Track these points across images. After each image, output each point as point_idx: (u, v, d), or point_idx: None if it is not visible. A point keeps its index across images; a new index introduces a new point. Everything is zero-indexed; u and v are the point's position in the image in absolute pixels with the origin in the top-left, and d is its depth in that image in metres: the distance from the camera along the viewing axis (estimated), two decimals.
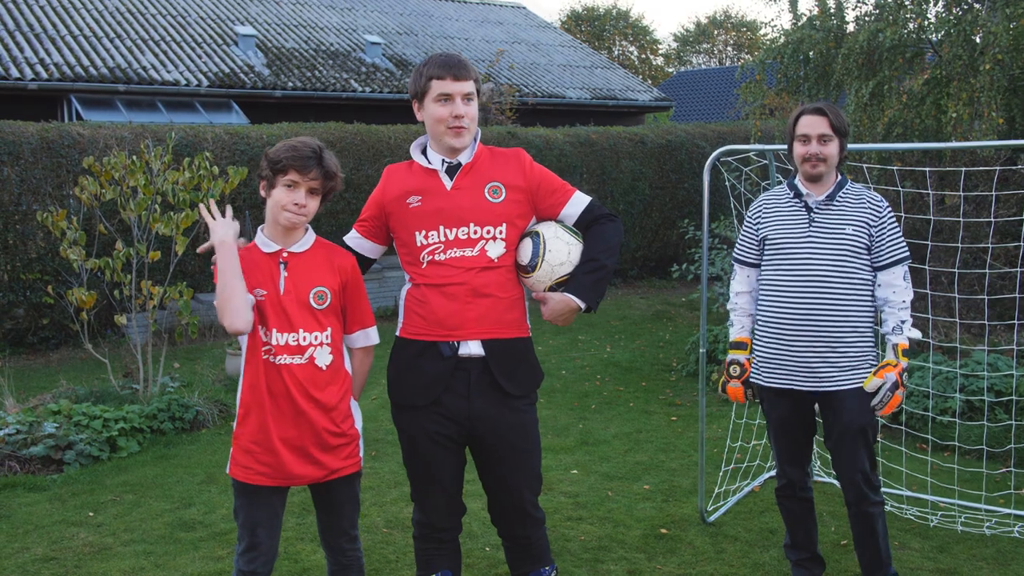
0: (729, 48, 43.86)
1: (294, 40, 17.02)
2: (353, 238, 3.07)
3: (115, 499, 4.88)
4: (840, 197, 3.42)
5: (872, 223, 3.37)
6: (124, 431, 5.71)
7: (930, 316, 5.85)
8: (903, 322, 3.35)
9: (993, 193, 5.57)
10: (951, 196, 7.15)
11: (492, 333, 2.86)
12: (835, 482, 4.91)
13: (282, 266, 2.81)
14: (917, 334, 3.42)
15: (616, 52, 41.28)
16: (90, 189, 6.28)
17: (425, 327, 2.88)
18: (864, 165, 6.48)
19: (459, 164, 2.92)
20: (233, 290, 2.70)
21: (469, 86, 2.87)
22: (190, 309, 6.27)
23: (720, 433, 5.77)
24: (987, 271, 5.82)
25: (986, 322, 5.35)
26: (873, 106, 7.98)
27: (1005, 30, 7.13)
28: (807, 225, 3.42)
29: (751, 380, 3.60)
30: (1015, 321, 5.43)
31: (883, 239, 3.37)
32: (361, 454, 2.96)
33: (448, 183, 2.90)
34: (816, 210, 3.42)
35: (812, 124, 3.38)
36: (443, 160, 2.92)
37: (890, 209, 3.42)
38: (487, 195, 2.89)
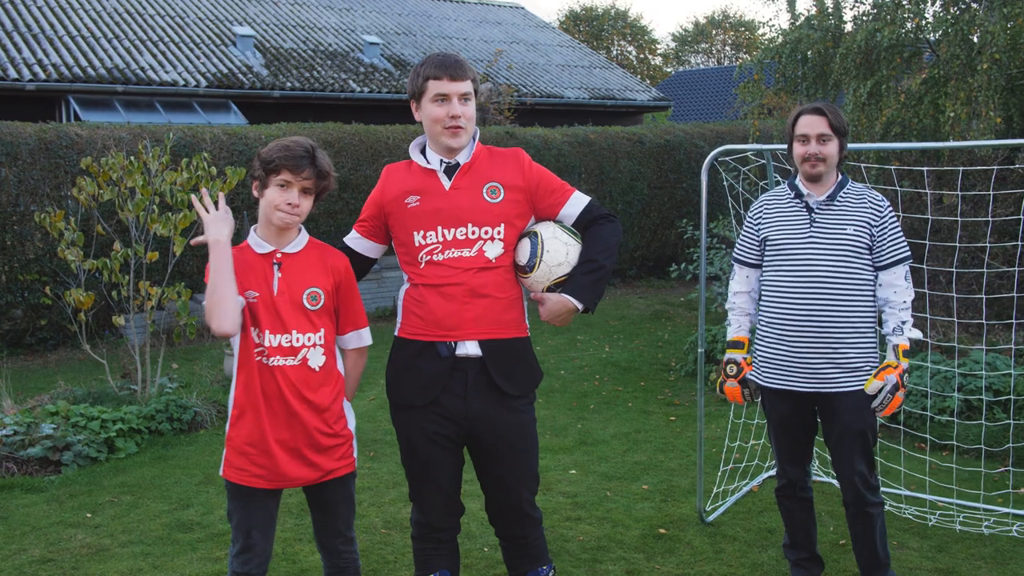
0: (727, 48, 43.89)
1: (292, 40, 17.01)
2: (354, 239, 3.06)
3: (113, 500, 4.88)
4: (841, 197, 3.41)
5: (873, 223, 3.36)
6: (122, 432, 5.71)
7: (928, 315, 5.85)
8: (904, 323, 3.34)
9: (991, 192, 5.57)
10: (949, 195, 7.16)
11: (490, 333, 2.86)
12: (834, 482, 4.91)
13: (276, 267, 2.80)
14: (918, 334, 3.42)
15: (614, 52, 41.29)
16: (88, 190, 6.27)
17: (423, 327, 2.88)
18: (862, 165, 6.49)
19: (457, 164, 2.92)
20: (224, 292, 2.66)
21: (466, 86, 2.86)
22: (188, 310, 6.26)
23: (719, 433, 5.77)
24: (985, 270, 5.83)
25: (984, 321, 5.36)
26: (871, 106, 7.98)
27: (1003, 29, 7.13)
28: (808, 225, 3.42)
29: (749, 378, 3.60)
30: (1013, 320, 5.43)
31: (884, 239, 3.36)
32: (355, 454, 2.96)
33: (446, 183, 2.90)
34: (817, 210, 3.42)
35: (811, 124, 3.37)
36: (441, 160, 2.92)
37: (891, 208, 3.41)
38: (485, 195, 2.89)
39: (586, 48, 22.54)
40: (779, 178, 4.87)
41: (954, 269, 5.52)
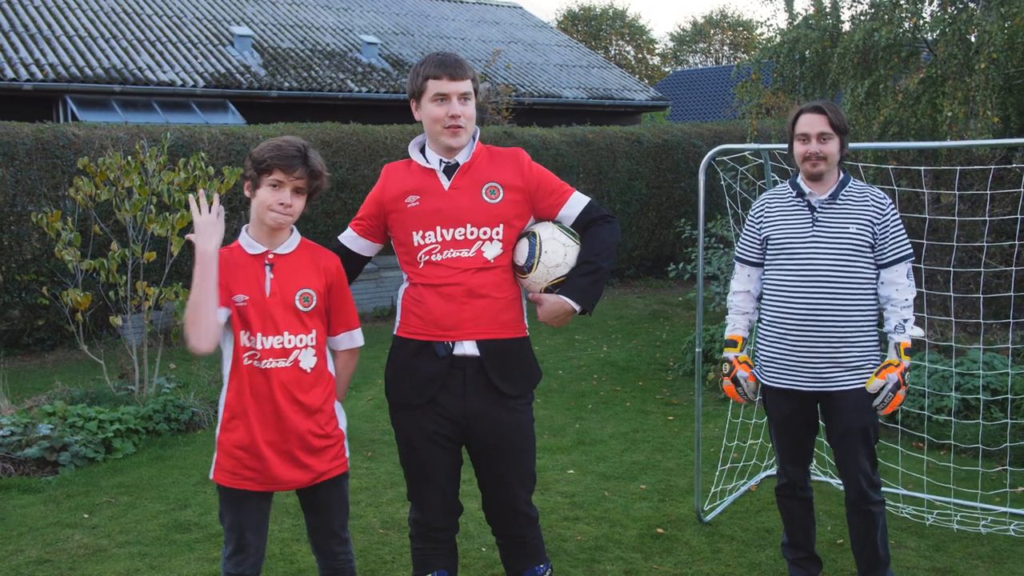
0: (725, 48, 43.90)
1: (290, 40, 17.00)
2: (350, 237, 3.06)
3: (110, 501, 4.87)
4: (843, 196, 3.40)
5: (876, 221, 3.36)
6: (119, 432, 5.70)
7: (926, 315, 5.85)
8: (905, 320, 3.34)
9: (988, 192, 5.57)
10: (947, 195, 7.16)
11: (488, 333, 2.86)
12: (832, 481, 4.92)
13: (268, 268, 2.78)
14: (920, 332, 3.42)
15: (612, 52, 41.30)
16: (85, 190, 6.27)
17: (422, 327, 2.88)
18: (860, 164, 6.49)
19: (457, 164, 2.91)
20: (206, 309, 2.63)
21: (466, 86, 2.86)
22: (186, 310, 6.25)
23: (716, 432, 5.77)
24: (982, 270, 5.83)
25: (981, 320, 5.36)
26: (869, 105, 7.98)
27: (1000, 29, 7.14)
28: (810, 225, 3.41)
29: (739, 377, 3.60)
30: (1010, 319, 5.44)
31: (886, 237, 3.36)
32: (347, 454, 2.95)
33: (446, 183, 2.90)
34: (819, 209, 3.41)
35: (811, 123, 3.36)
36: (441, 160, 2.92)
37: (893, 206, 3.41)
38: (484, 196, 2.89)
39: (584, 48, 22.53)
40: (776, 177, 4.88)
41: (951, 268, 5.52)
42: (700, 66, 41.35)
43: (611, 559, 4.05)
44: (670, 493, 4.88)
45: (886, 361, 3.33)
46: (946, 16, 7.73)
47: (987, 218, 5.83)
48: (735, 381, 3.61)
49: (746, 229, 3.66)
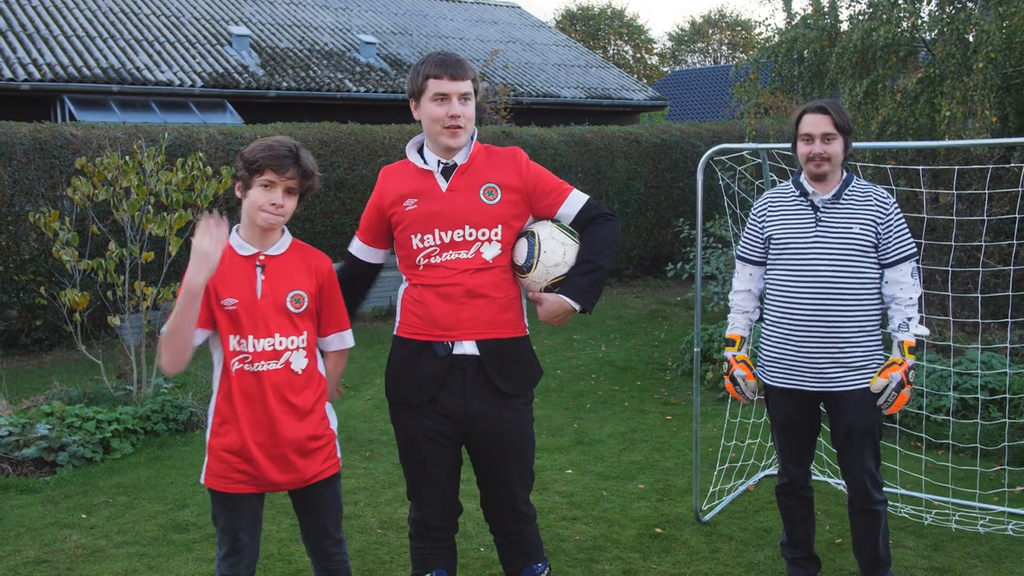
0: (724, 47, 43.90)
1: (288, 40, 16.99)
2: (360, 249, 3.06)
3: (108, 501, 4.86)
4: (847, 195, 3.39)
5: (879, 220, 3.35)
6: (117, 432, 5.69)
7: (924, 314, 5.84)
8: (909, 319, 3.33)
9: (986, 191, 5.58)
10: (945, 194, 7.16)
11: (487, 333, 2.86)
12: (830, 480, 4.92)
13: (259, 269, 2.77)
14: (925, 331, 3.40)
15: (611, 51, 41.29)
16: (83, 190, 6.26)
17: (421, 327, 2.88)
18: (858, 164, 6.49)
19: (455, 165, 2.91)
20: (182, 337, 2.62)
21: (466, 86, 2.86)
22: None
23: (715, 432, 5.77)
24: (981, 269, 5.83)
25: (979, 320, 5.36)
26: (867, 105, 7.99)
27: (998, 28, 7.15)
28: (814, 225, 3.40)
29: (736, 376, 3.60)
30: (1009, 319, 5.44)
31: (890, 236, 3.35)
32: (339, 454, 2.94)
33: (443, 184, 2.90)
34: (823, 209, 3.40)
35: (815, 123, 3.35)
36: (439, 161, 2.91)
37: (897, 205, 3.39)
38: (482, 196, 2.89)
39: (582, 47, 22.53)
40: (775, 177, 4.88)
41: (950, 268, 5.52)
42: (698, 66, 41.36)
43: (609, 559, 4.04)
44: (668, 493, 4.88)
45: (890, 360, 3.32)
46: (944, 16, 7.74)
47: (985, 217, 5.84)
48: (733, 380, 3.61)
49: (748, 228, 3.65)
